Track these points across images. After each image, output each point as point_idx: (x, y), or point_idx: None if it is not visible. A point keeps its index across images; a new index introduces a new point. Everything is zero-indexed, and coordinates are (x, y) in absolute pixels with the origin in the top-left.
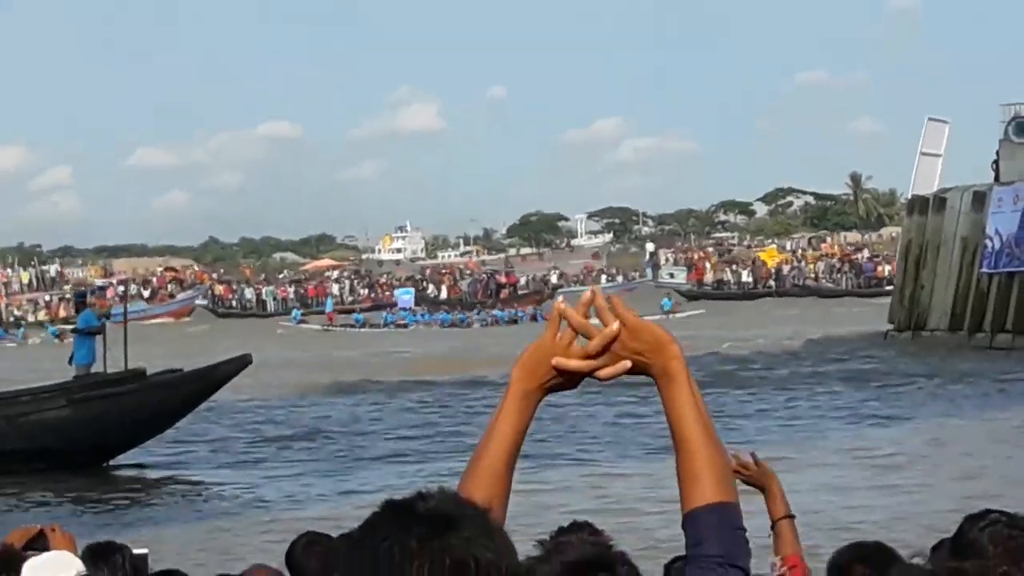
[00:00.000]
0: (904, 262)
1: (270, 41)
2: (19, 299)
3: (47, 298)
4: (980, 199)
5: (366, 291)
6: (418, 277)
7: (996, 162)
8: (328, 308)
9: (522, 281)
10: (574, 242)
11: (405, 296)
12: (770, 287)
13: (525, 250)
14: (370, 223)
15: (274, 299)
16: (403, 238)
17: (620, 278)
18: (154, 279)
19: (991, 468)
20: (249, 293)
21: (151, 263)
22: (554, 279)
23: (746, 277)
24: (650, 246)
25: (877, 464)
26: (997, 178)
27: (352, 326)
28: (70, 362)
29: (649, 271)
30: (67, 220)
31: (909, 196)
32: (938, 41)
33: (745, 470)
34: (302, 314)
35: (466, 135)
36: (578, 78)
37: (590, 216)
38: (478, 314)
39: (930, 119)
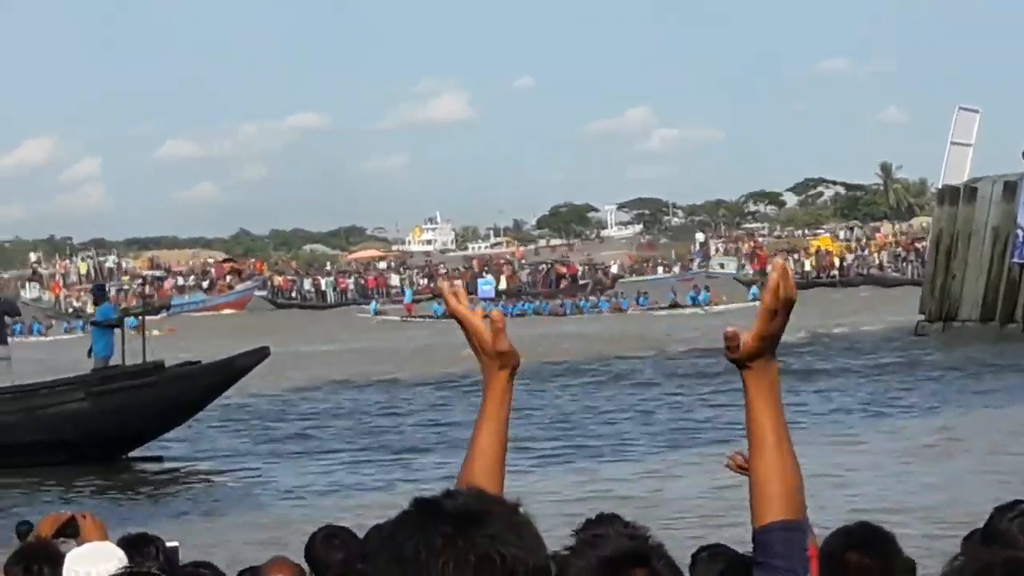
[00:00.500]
0: (935, 252)
1: (296, 31)
2: (77, 290)
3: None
4: (1011, 189)
5: (425, 281)
6: (463, 267)
7: None
8: (407, 299)
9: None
10: (604, 233)
11: (486, 286)
12: (833, 276)
13: (555, 241)
14: (399, 215)
15: (334, 290)
16: (433, 229)
17: (676, 268)
18: (212, 270)
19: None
20: (308, 284)
21: (182, 255)
22: (615, 269)
23: (808, 267)
24: (700, 236)
25: (908, 453)
26: None
27: (431, 316)
28: (89, 355)
29: (697, 261)
30: (97, 212)
31: (939, 186)
32: (967, 29)
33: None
34: (380, 304)
35: (494, 126)
36: (606, 68)
37: (620, 207)
38: (560, 304)
39: (961, 108)
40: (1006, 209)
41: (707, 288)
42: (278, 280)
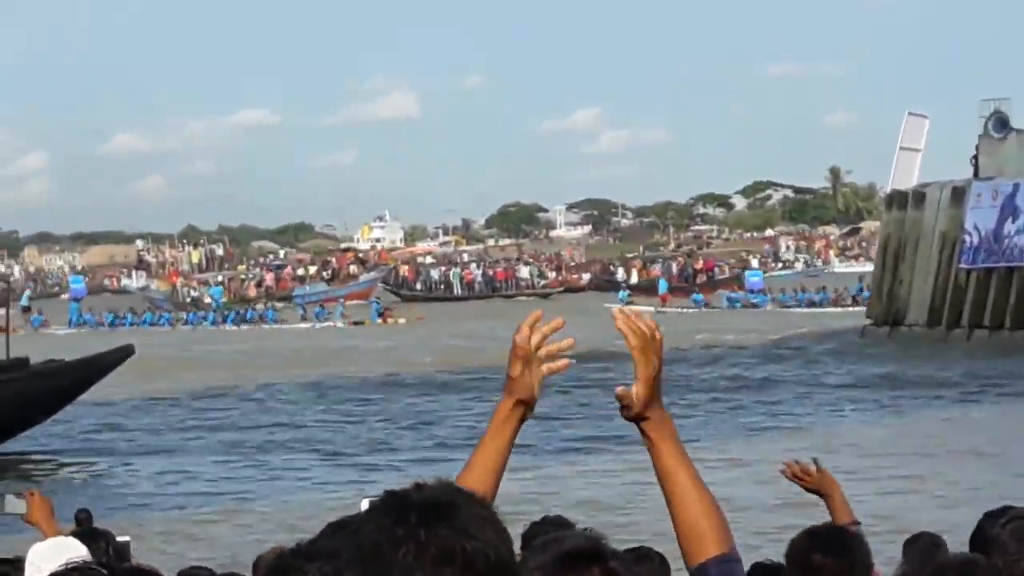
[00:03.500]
0: (882, 257)
1: (245, 27)
2: (192, 280)
3: (219, 279)
4: (959, 194)
5: (554, 274)
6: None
7: (975, 157)
8: (662, 290)
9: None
10: (553, 233)
11: (754, 278)
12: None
13: (504, 241)
14: (347, 212)
15: (460, 282)
16: (382, 227)
17: (799, 264)
18: (334, 260)
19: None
20: (436, 274)
21: (129, 250)
22: (755, 263)
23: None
24: (769, 232)
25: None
26: (976, 173)
27: (690, 308)
28: None
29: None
30: (44, 206)
31: (888, 191)
32: (916, 35)
33: (808, 477)
34: (629, 295)
35: (443, 124)
36: (556, 68)
37: (569, 207)
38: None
39: (910, 114)
40: (954, 214)
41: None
42: (403, 271)
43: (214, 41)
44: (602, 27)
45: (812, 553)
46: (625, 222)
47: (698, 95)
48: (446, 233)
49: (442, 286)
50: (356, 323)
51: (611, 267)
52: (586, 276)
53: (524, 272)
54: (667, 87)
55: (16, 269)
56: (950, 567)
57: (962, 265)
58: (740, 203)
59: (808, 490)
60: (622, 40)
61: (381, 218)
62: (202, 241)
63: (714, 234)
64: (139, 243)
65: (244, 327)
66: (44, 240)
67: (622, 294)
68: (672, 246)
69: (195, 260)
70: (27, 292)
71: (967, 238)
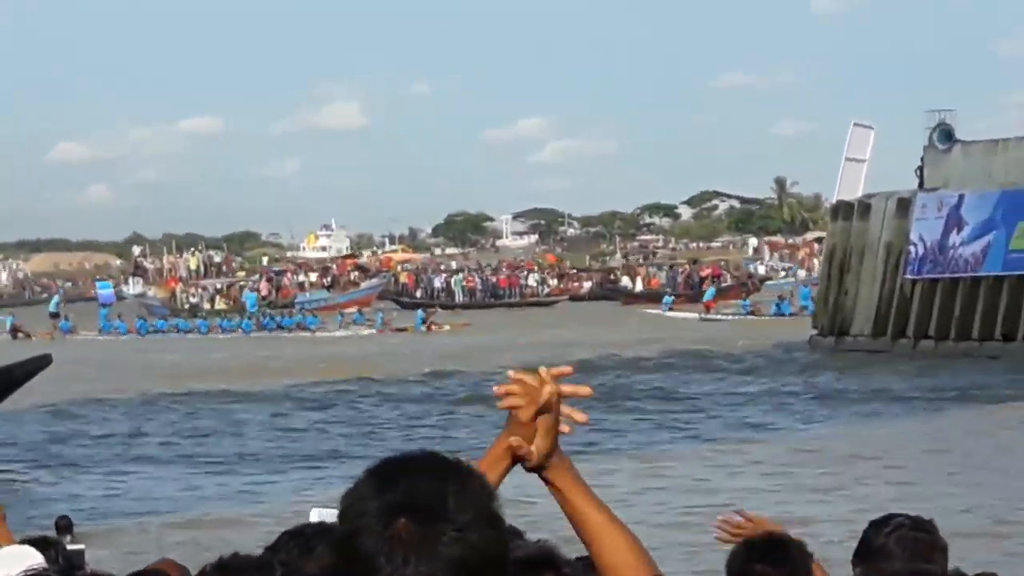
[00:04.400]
0: (828, 267)
1: (190, 34)
2: (192, 286)
3: (218, 285)
4: (904, 205)
5: (555, 282)
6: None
7: (920, 168)
8: (708, 296)
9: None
10: (499, 242)
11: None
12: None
13: (451, 250)
14: (293, 221)
15: (462, 289)
16: (328, 236)
17: (782, 273)
18: (334, 267)
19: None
20: (438, 282)
21: (72, 258)
22: (762, 271)
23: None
24: (753, 241)
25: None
26: (921, 185)
27: (736, 314)
28: None
29: (752, 268)
30: None
31: (834, 201)
32: (863, 46)
33: (740, 530)
34: (673, 301)
35: (389, 132)
36: (501, 77)
37: (515, 217)
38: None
39: (855, 124)
40: (899, 225)
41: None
42: (403, 278)
43: (160, 48)
44: (549, 36)
45: (752, 563)
46: (571, 232)
47: (645, 105)
48: (392, 242)
49: (443, 293)
50: (399, 329)
51: (612, 275)
52: (587, 284)
53: (531, 280)
54: (614, 97)
55: (3, 275)
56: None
57: (907, 276)
58: (686, 213)
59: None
60: (569, 49)
61: (327, 227)
62: (200, 247)
63: (660, 244)
64: (136, 249)
65: (286, 334)
66: None
67: (667, 299)
68: (618, 256)
69: (193, 266)
70: (56, 297)
71: (912, 249)
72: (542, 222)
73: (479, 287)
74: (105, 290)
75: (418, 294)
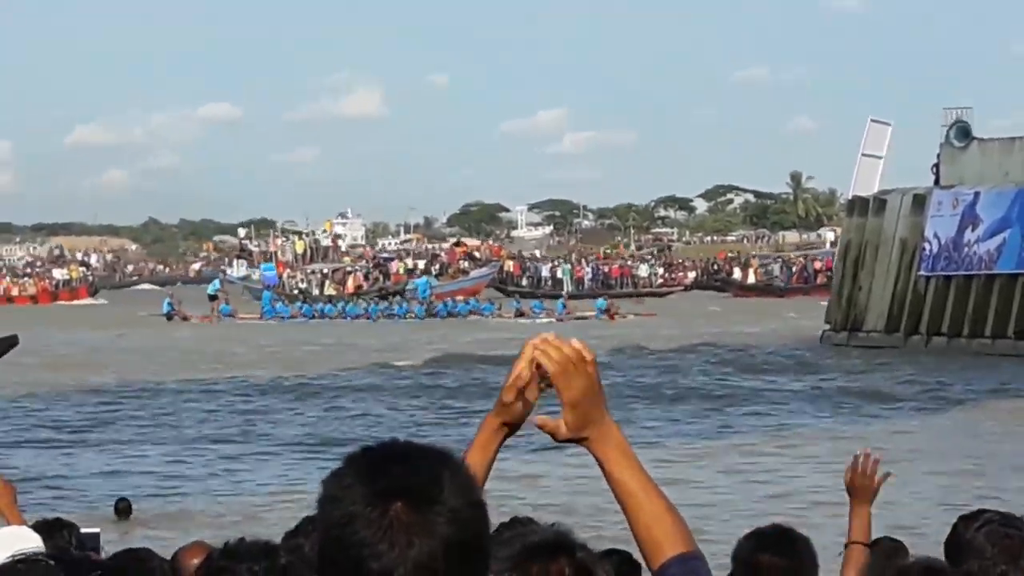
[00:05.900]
0: (842, 262)
1: (211, 21)
2: (298, 271)
3: (324, 270)
4: (920, 202)
5: (661, 270)
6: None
7: (936, 166)
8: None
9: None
10: (514, 233)
11: None
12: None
13: (466, 240)
14: (309, 208)
15: (570, 279)
16: (344, 224)
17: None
18: (443, 254)
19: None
20: (545, 271)
21: (90, 242)
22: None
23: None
24: (829, 235)
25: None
26: (937, 181)
27: None
28: None
29: None
30: (5, 196)
31: (849, 197)
32: (881, 43)
33: (856, 473)
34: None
35: (407, 122)
36: (520, 68)
37: (531, 208)
38: None
39: (872, 120)
40: (914, 222)
41: None
42: (509, 265)
43: (180, 35)
44: (568, 28)
45: (759, 553)
46: (586, 223)
47: (663, 98)
48: (408, 231)
49: (549, 283)
50: (579, 318)
51: (714, 266)
52: (691, 275)
53: (643, 271)
54: (632, 90)
55: (93, 257)
56: (913, 571)
57: (921, 272)
58: (701, 206)
59: (848, 485)
60: (588, 42)
61: (343, 215)
62: (308, 230)
63: (674, 237)
64: (240, 231)
65: (452, 319)
66: (5, 231)
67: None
68: (632, 248)
69: (299, 251)
70: (216, 281)
71: (927, 246)
72: (557, 213)
73: (588, 276)
74: (269, 272)
75: (524, 282)
